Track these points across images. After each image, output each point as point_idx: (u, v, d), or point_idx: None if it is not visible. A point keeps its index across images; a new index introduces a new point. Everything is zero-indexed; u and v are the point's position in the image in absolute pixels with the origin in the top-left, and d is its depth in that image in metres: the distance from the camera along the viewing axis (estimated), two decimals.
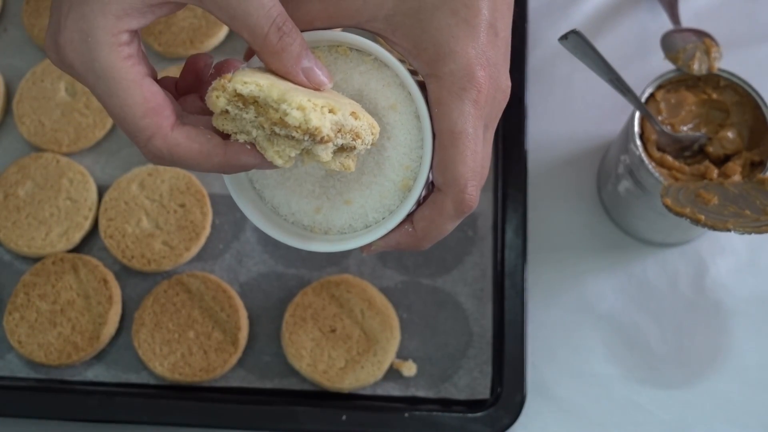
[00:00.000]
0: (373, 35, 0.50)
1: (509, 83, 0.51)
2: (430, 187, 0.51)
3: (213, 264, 0.77)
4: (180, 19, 0.82)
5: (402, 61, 0.49)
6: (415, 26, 0.48)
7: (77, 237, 0.77)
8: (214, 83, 0.45)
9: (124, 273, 0.77)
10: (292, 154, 0.46)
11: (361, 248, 0.52)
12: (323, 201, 0.52)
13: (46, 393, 0.72)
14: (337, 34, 0.49)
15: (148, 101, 0.45)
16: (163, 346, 0.73)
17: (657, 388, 0.74)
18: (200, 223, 0.76)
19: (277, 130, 0.44)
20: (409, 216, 0.51)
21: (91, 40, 0.44)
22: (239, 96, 0.45)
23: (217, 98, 0.45)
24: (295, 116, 0.43)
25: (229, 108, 0.45)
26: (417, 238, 0.51)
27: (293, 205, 0.52)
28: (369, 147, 0.48)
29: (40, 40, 0.82)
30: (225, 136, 0.47)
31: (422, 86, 0.49)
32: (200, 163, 0.46)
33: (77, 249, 0.77)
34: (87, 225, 0.77)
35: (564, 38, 0.60)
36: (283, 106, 0.44)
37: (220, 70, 0.49)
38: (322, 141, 0.45)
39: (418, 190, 0.49)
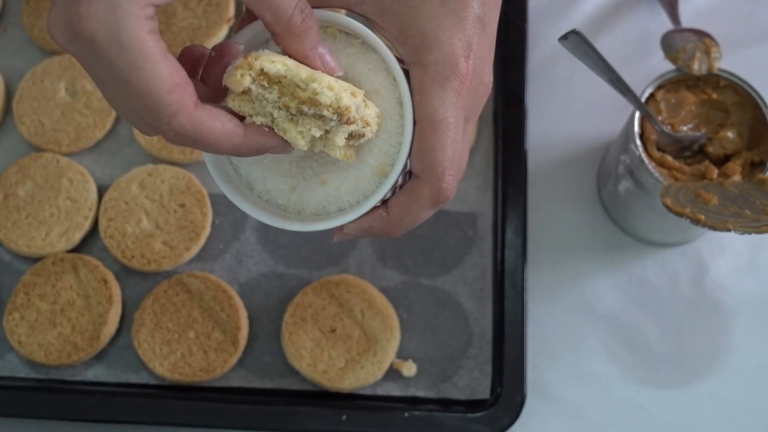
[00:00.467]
0: (361, 18, 0.50)
1: (491, 78, 0.51)
2: (407, 176, 0.51)
3: (213, 264, 0.77)
4: (180, 19, 0.82)
5: (389, 47, 0.49)
6: (403, 13, 0.48)
7: (77, 237, 0.77)
8: (238, 62, 0.45)
9: (124, 273, 0.77)
10: (317, 134, 0.46)
11: (333, 232, 0.52)
12: (299, 180, 0.51)
13: (46, 393, 0.72)
14: (328, 14, 0.49)
15: (173, 76, 0.43)
16: (163, 346, 0.73)
17: (657, 388, 0.74)
18: (200, 223, 0.76)
19: (305, 108, 0.45)
20: (385, 202, 0.51)
21: (119, 11, 0.42)
22: (264, 75, 0.45)
23: (241, 77, 0.44)
24: (327, 95, 0.44)
25: (252, 87, 0.45)
26: (390, 224, 0.51)
27: (268, 183, 0.52)
28: (373, 137, 0.48)
29: (40, 40, 0.82)
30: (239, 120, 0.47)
31: (406, 74, 0.49)
32: (221, 142, 0.45)
33: (77, 249, 0.77)
34: (87, 225, 0.77)
35: (564, 38, 0.60)
36: (313, 85, 0.44)
37: (221, 52, 0.48)
38: (348, 122, 0.45)
39: (394, 176, 0.49)
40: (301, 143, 0.46)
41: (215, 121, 0.45)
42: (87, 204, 0.77)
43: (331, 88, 0.45)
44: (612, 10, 0.85)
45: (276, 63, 0.45)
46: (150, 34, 0.43)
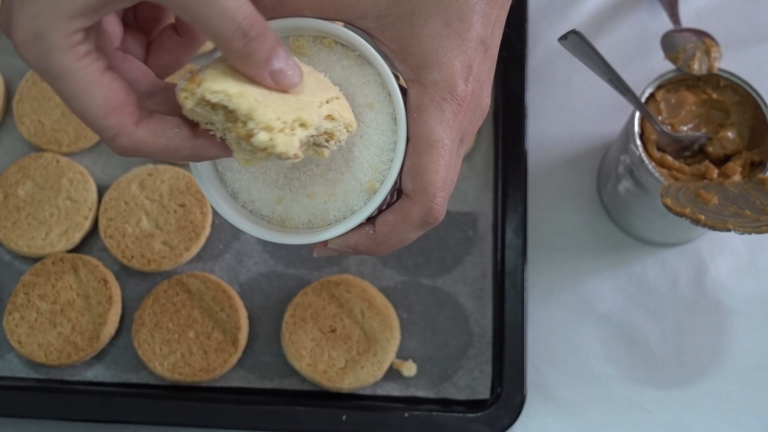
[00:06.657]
0: (362, 33, 0.49)
1: (489, 101, 0.50)
2: (395, 195, 0.50)
3: (213, 264, 0.77)
4: None
5: (386, 62, 0.49)
6: (405, 30, 0.47)
7: (77, 237, 0.77)
8: (183, 84, 0.43)
9: (124, 273, 0.77)
10: (259, 164, 0.45)
11: (315, 246, 0.51)
12: (286, 192, 0.50)
13: (46, 393, 0.72)
14: (325, 25, 0.49)
15: (109, 101, 0.43)
16: (163, 346, 0.73)
17: (657, 388, 0.74)
18: (200, 223, 0.76)
19: (243, 145, 0.43)
20: (372, 220, 0.50)
21: (44, 43, 0.42)
22: (207, 102, 0.43)
23: (185, 99, 0.43)
24: (261, 139, 0.42)
25: (197, 109, 0.43)
26: (376, 242, 0.50)
27: (254, 193, 0.51)
28: (342, 143, 0.48)
29: None
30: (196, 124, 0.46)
31: (402, 91, 0.48)
32: (168, 156, 0.45)
33: (77, 249, 0.77)
34: (87, 225, 0.77)
35: (564, 38, 0.60)
36: (250, 125, 0.42)
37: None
38: (288, 159, 0.44)
39: (384, 193, 0.48)
40: (247, 166, 0.45)
41: (159, 139, 0.44)
42: (87, 204, 0.77)
43: (268, 129, 0.42)
44: (612, 10, 0.85)
45: (217, 93, 0.42)
46: (82, 59, 0.42)
